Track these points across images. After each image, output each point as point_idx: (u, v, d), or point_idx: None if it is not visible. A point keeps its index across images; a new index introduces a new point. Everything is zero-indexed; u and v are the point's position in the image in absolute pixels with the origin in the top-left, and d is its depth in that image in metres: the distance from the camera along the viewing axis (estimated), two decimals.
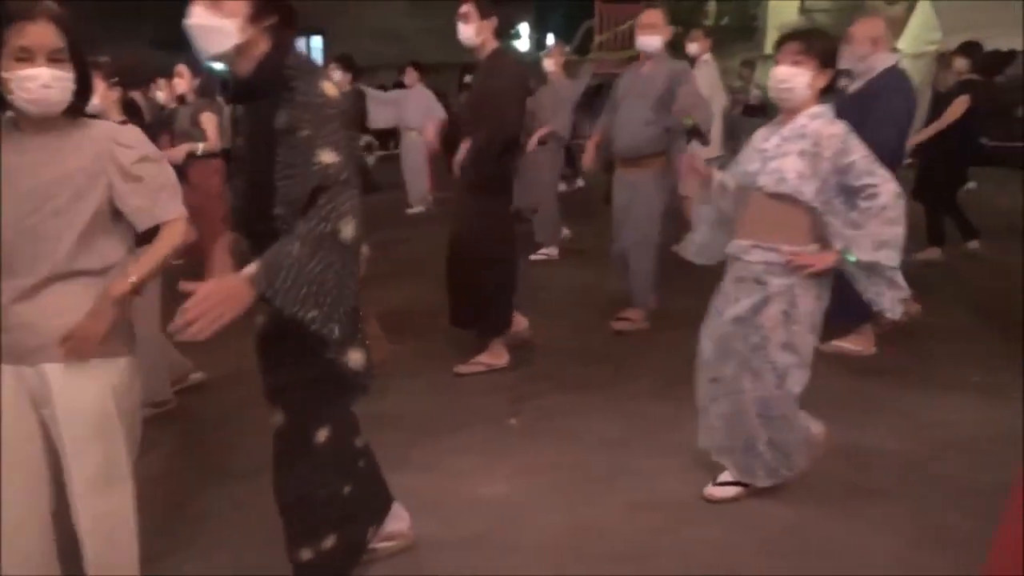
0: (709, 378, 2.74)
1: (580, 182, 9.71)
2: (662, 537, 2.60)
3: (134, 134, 1.88)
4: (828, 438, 2.86)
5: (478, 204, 3.71)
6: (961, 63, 6.20)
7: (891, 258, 2.48)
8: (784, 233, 2.54)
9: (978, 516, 2.45)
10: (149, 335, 3.40)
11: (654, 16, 4.22)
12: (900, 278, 2.55)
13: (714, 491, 2.80)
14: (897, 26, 15.61)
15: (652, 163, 4.30)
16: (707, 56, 6.09)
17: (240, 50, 1.80)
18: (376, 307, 4.82)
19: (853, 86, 3.90)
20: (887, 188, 2.44)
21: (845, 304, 3.99)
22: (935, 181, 5.98)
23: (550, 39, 34.26)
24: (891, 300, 2.58)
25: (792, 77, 2.47)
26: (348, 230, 1.71)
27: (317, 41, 22.09)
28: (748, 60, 14.08)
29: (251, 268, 1.69)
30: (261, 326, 2.00)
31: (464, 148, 3.73)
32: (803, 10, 16.81)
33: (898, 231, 2.47)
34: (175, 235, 1.88)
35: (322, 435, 2.01)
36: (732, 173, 2.72)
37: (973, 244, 6.19)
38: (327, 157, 1.72)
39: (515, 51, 4.72)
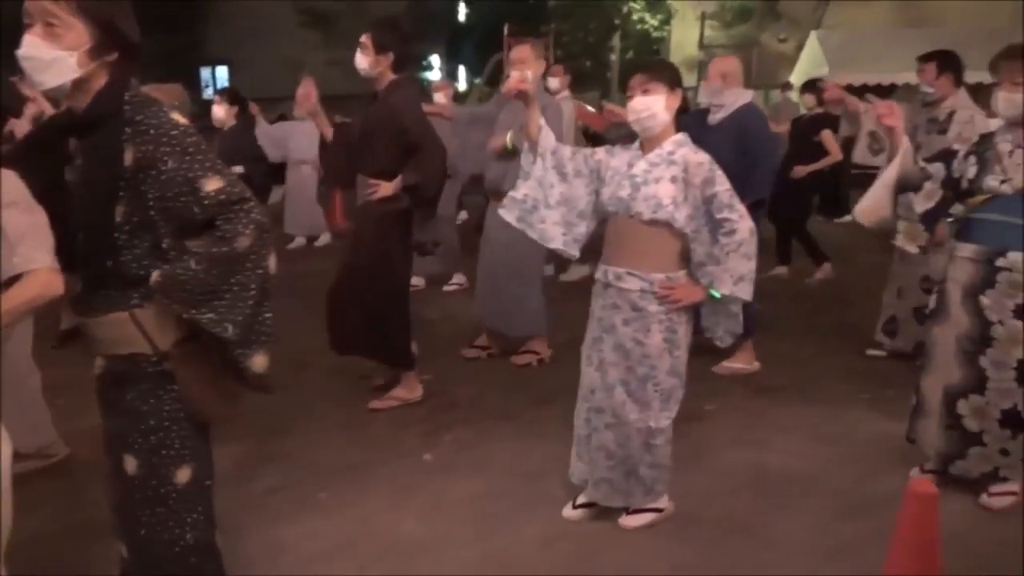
0: (591, 408, 2.74)
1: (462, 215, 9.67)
2: (578, 566, 2.60)
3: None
4: None
5: (380, 236, 3.69)
6: (809, 99, 6.80)
7: (747, 292, 2.60)
8: (657, 259, 2.59)
9: (876, 525, 2.57)
10: (24, 383, 3.23)
11: (523, 52, 4.27)
12: (740, 313, 2.69)
13: (628, 520, 2.82)
14: (788, 61, 16.58)
15: None
16: (566, 92, 6.14)
17: (78, 85, 1.69)
18: (285, 345, 4.72)
19: (712, 118, 4.18)
20: (744, 225, 2.55)
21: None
22: (789, 205, 6.43)
23: (462, 71, 34.81)
24: (724, 331, 2.74)
25: (648, 105, 2.55)
26: (244, 242, 1.69)
27: (223, 71, 21.65)
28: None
29: (153, 277, 1.69)
30: (102, 368, 1.86)
31: (378, 195, 3.66)
32: (703, 45, 17.59)
33: (752, 266, 2.59)
34: (32, 286, 1.73)
35: (183, 475, 1.84)
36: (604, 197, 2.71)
37: (824, 269, 6.54)
38: (212, 184, 1.67)
39: (414, 84, 4.63)
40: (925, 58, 4.35)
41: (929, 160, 2.95)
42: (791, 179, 6.31)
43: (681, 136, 2.63)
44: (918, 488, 1.78)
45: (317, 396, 4.04)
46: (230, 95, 6.14)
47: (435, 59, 29.03)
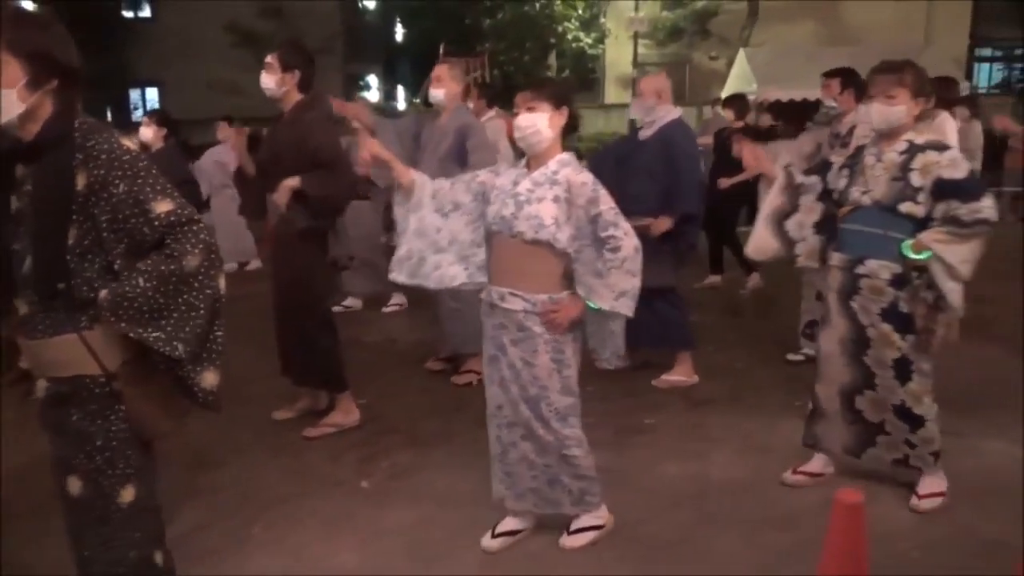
0: (501, 424, 2.72)
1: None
2: None
3: None
4: None
5: (296, 257, 3.65)
6: (728, 113, 7.09)
7: (628, 307, 2.60)
8: (540, 280, 2.56)
9: (809, 534, 2.60)
10: None
11: (441, 70, 4.29)
12: (622, 333, 2.70)
13: (569, 540, 2.79)
14: (719, 78, 17.05)
15: None
16: (491, 113, 6.15)
17: (26, 116, 1.74)
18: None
19: (643, 134, 4.29)
20: (628, 242, 2.55)
21: (663, 337, 4.32)
22: (719, 216, 6.64)
23: (400, 91, 34.71)
24: (611, 353, 2.75)
25: (533, 122, 2.54)
26: (192, 261, 1.73)
27: (153, 93, 21.12)
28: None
29: (101, 296, 1.71)
30: (46, 391, 1.85)
31: (280, 198, 3.59)
32: (636, 63, 17.95)
33: (636, 283, 2.59)
34: None
35: (128, 494, 1.85)
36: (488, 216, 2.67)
37: (754, 279, 6.74)
38: (163, 207, 1.73)
39: (324, 102, 4.50)
40: (829, 74, 4.64)
41: (808, 172, 3.10)
42: (718, 190, 6.50)
43: (567, 155, 2.61)
44: (845, 497, 1.81)
45: (249, 425, 3.91)
46: (159, 117, 6.02)
47: (373, 79, 28.92)
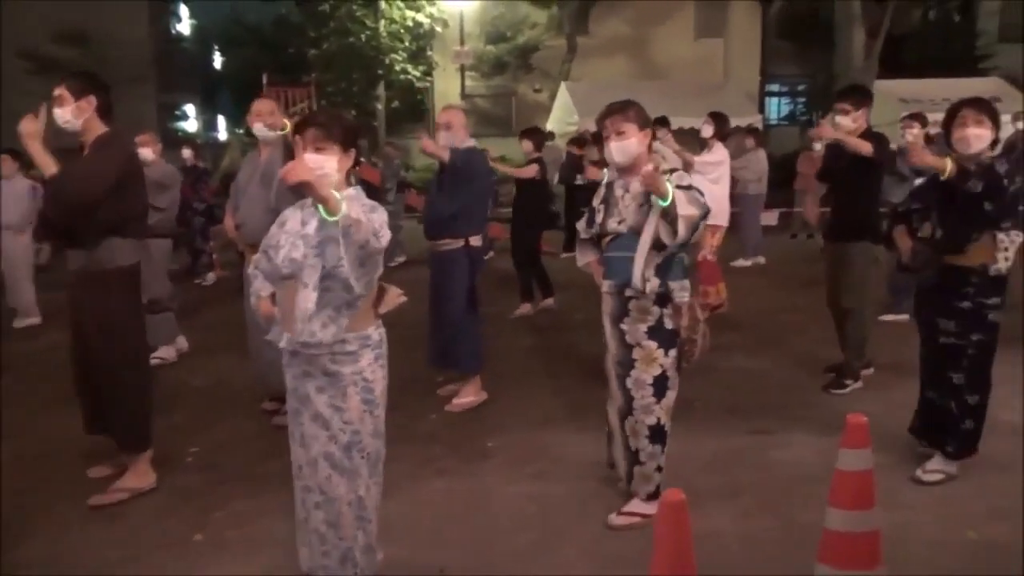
0: (302, 486, 2.55)
1: (211, 276, 9.08)
2: None
3: None
4: None
5: (101, 300, 3.37)
6: (527, 144, 7.43)
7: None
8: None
9: (645, 540, 2.77)
10: None
11: (263, 104, 4.26)
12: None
13: None
14: (544, 110, 17.81)
15: None
16: None
17: None
18: (26, 435, 4.13)
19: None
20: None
21: (455, 358, 4.56)
22: (521, 246, 7.04)
23: (220, 121, 33.24)
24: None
25: (321, 164, 2.40)
26: None
27: None
28: (390, 141, 14.96)
29: None
30: None
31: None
32: (464, 94, 18.35)
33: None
34: None
35: None
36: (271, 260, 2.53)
37: (549, 302, 7.14)
38: None
39: (123, 141, 4.16)
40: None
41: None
42: (520, 219, 6.97)
43: (352, 191, 2.47)
44: (670, 497, 1.95)
45: (62, 490, 3.56)
46: None
47: (190, 108, 27.51)
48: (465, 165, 4.44)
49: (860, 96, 4.54)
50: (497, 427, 4.24)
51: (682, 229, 2.90)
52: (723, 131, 6.44)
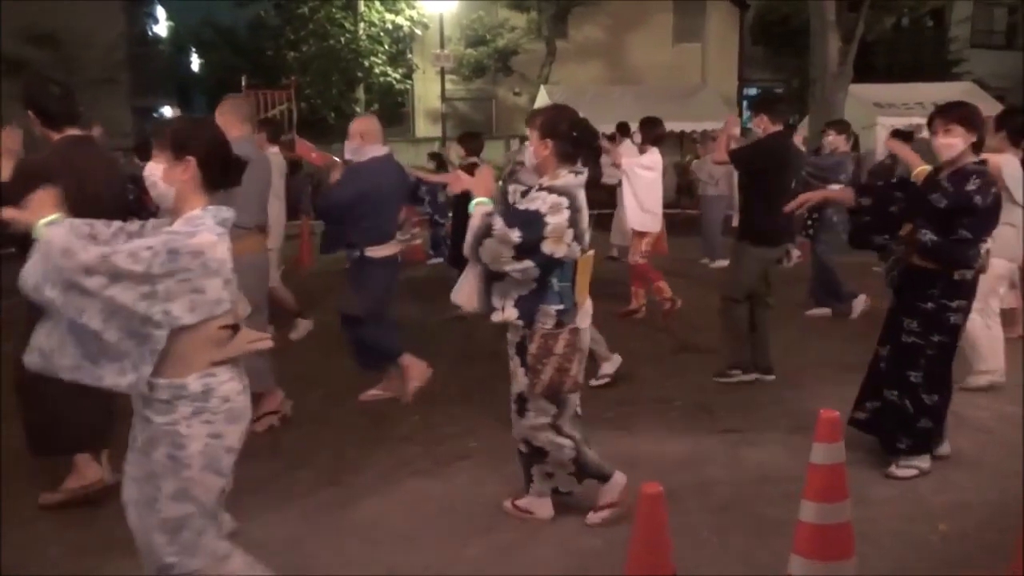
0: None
1: None
2: None
3: None
4: None
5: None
6: (459, 149, 7.46)
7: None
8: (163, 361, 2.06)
9: (621, 535, 2.80)
10: None
11: (222, 107, 4.17)
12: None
13: None
14: (523, 113, 17.87)
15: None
16: (274, 150, 6.23)
17: None
18: None
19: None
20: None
21: (368, 356, 4.57)
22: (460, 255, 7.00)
23: None
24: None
25: (152, 172, 2.16)
26: None
27: None
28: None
29: None
30: None
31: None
32: (444, 98, 18.38)
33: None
34: None
35: None
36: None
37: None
38: None
39: (93, 145, 4.09)
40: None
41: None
42: (460, 223, 6.85)
43: (198, 212, 2.12)
44: (647, 489, 1.99)
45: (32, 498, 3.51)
46: None
47: (167, 112, 27.28)
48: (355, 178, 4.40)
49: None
50: (473, 429, 4.24)
51: (483, 252, 2.83)
52: (651, 136, 6.56)
